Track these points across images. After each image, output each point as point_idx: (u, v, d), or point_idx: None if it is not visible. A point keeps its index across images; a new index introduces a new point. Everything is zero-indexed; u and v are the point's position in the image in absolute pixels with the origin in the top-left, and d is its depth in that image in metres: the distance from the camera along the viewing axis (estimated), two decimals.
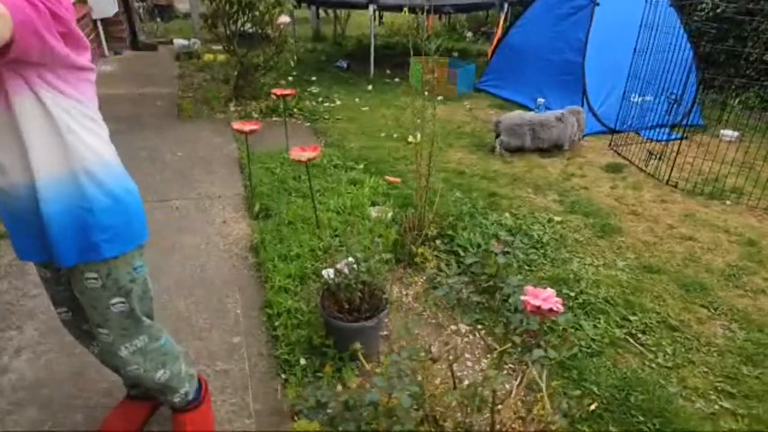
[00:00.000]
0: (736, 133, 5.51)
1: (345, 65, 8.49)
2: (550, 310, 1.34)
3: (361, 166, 4.75)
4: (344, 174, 4.50)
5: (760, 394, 2.35)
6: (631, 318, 2.76)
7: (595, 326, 2.69)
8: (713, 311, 2.87)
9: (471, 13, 11.86)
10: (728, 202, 4.11)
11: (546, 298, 1.37)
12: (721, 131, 5.60)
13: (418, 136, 5.45)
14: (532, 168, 4.74)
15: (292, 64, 6.82)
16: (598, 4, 5.59)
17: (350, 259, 2.64)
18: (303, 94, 7.16)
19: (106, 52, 9.58)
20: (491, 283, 3.07)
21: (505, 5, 8.05)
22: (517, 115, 5.04)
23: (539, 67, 6.25)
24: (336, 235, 3.42)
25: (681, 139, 5.47)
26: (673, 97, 4.31)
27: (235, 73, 6.81)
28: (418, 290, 3.04)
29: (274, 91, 4.59)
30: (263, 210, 3.74)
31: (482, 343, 2.64)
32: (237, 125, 3.58)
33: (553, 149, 5.07)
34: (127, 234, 1.56)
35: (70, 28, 1.33)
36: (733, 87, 7.40)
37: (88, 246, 1.49)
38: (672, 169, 4.36)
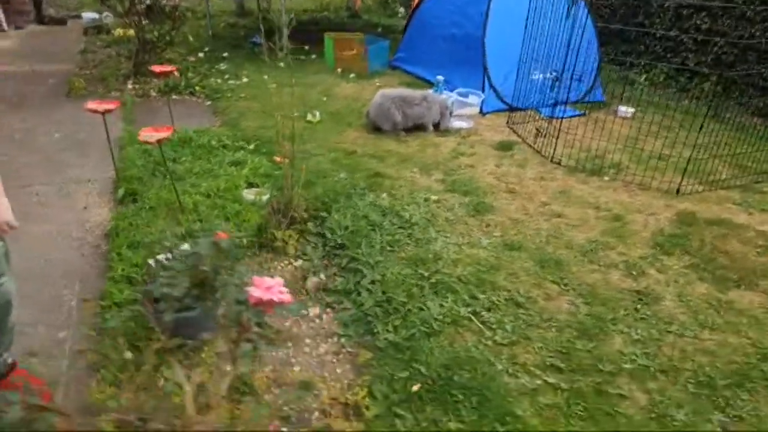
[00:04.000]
0: (631, 110, 5.65)
1: (259, 41, 8.20)
2: (271, 301, 1.28)
3: (252, 146, 4.61)
4: (231, 154, 4.35)
5: (586, 368, 2.41)
6: (480, 296, 2.78)
7: (441, 305, 2.69)
8: (563, 287, 2.93)
9: None
10: (606, 178, 4.20)
11: (269, 287, 1.31)
12: (618, 107, 5.73)
13: (317, 114, 5.36)
14: (426, 147, 4.71)
15: (191, 38, 6.52)
16: None
17: (185, 246, 2.54)
18: (210, 71, 6.90)
19: (5, 26, 8.95)
20: (351, 265, 3.04)
21: None
22: (391, 93, 4.94)
23: (445, 42, 6.20)
24: (199, 220, 3.30)
25: (580, 116, 5.59)
26: (554, 75, 4.34)
27: (135, 49, 6.47)
28: (278, 275, 2.97)
29: (153, 68, 4.36)
30: (129, 194, 3.57)
31: (326, 328, 2.60)
32: (92, 105, 3.37)
33: (419, 130, 5.04)
34: None
35: None
36: (642, 64, 7.61)
37: None
38: (555, 147, 4.42)
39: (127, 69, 6.52)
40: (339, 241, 3.15)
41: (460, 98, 5.38)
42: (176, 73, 5.61)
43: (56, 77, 6.43)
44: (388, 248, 3.14)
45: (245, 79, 6.57)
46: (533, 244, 3.28)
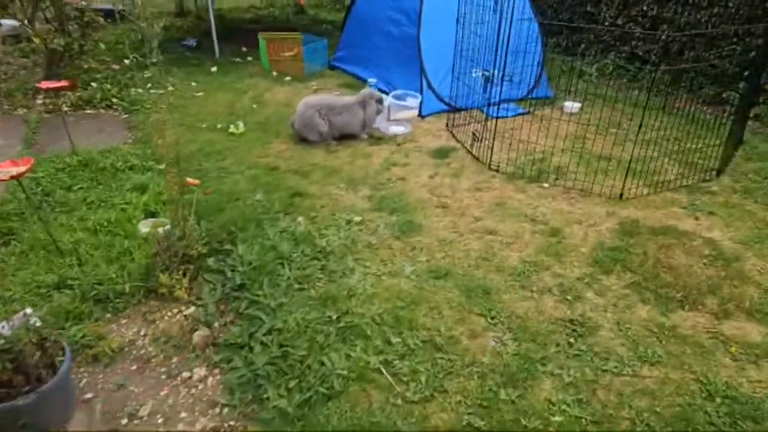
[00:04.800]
0: (577, 105, 5.37)
1: (193, 44, 7.71)
2: None
3: (164, 166, 4.16)
4: (137, 177, 3.90)
5: (509, 425, 2.09)
6: (394, 341, 2.44)
7: (348, 356, 2.34)
8: (490, 320, 2.60)
9: None
10: (546, 185, 3.90)
11: None
12: (564, 103, 5.45)
13: (241, 125, 4.93)
14: (356, 158, 4.34)
15: (103, 47, 6.00)
16: None
17: (28, 310, 2.13)
18: (132, 79, 6.38)
19: None
20: (250, 310, 2.66)
21: None
22: (315, 101, 4.55)
23: (384, 40, 5.82)
24: (79, 263, 2.87)
25: (524, 114, 5.29)
26: (487, 73, 4.01)
27: (41, 60, 5.92)
28: (164, 327, 2.57)
29: (40, 84, 3.89)
30: (2, 235, 3.11)
31: (209, 395, 2.22)
32: None
33: (351, 138, 4.67)
34: None
35: None
36: (593, 54, 7.37)
37: None
38: (492, 152, 4.10)
39: (38, 82, 5.95)
40: (239, 281, 2.76)
41: (397, 102, 5.02)
42: (74, 88, 5.13)
43: None
44: (296, 285, 2.77)
45: (170, 87, 6.09)
46: (461, 270, 2.95)
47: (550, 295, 2.78)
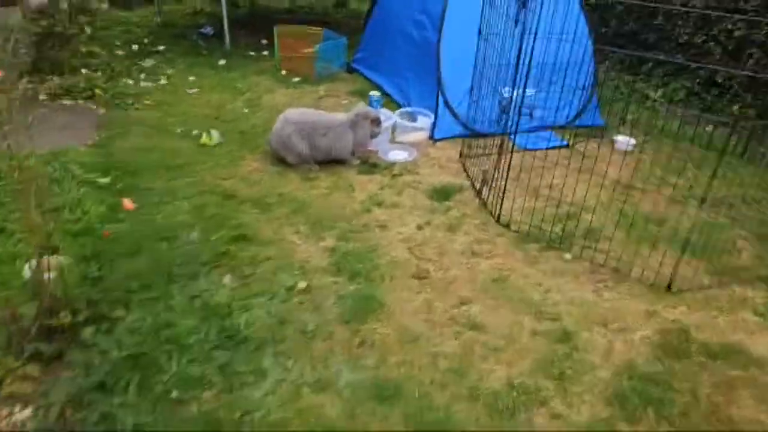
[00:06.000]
0: (632, 141, 4.33)
1: (211, 32, 7.07)
2: None
3: (107, 179, 3.48)
4: (64, 194, 3.23)
5: None
6: None
7: None
8: None
9: None
10: (568, 256, 2.94)
11: None
12: (616, 137, 4.41)
13: (215, 136, 4.20)
14: (336, 191, 3.51)
15: (88, 31, 5.41)
16: None
17: None
18: (131, 68, 5.79)
19: None
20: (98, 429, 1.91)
21: None
22: (296, 116, 3.71)
23: (403, 44, 4.94)
24: None
25: (561, 147, 4.29)
26: (505, 102, 3.07)
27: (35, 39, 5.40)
28: None
29: None
30: None
31: None
32: None
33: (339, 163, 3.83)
34: None
35: None
36: (660, 75, 6.20)
37: None
38: (503, 201, 3.16)
39: (25, 65, 5.44)
40: (101, 376, 2.00)
41: (403, 122, 4.15)
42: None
43: None
44: (174, 394, 1.98)
45: (163, 81, 5.44)
46: (418, 390, 2.08)
47: None
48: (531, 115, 2.85)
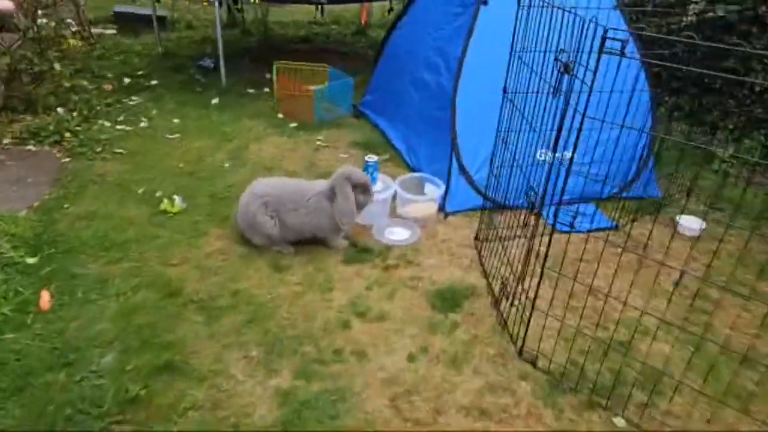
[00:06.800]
0: (700, 224, 3.39)
1: (211, 65, 6.45)
2: None
3: (35, 260, 2.78)
4: None
5: None
6: None
7: None
8: None
9: None
10: (621, 421, 2.02)
11: None
12: (678, 218, 3.47)
13: (177, 202, 3.45)
14: (309, 289, 2.69)
15: (57, 67, 4.80)
16: (486, 3, 3.45)
17: None
18: (115, 105, 5.18)
19: None
20: None
21: None
22: (266, 188, 2.92)
23: (416, 90, 4.15)
24: None
25: (608, 229, 3.38)
26: (533, 192, 2.20)
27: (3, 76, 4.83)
28: None
29: None
30: None
31: None
32: None
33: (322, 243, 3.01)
34: None
35: None
36: (730, 128, 5.21)
37: None
38: (529, 324, 2.27)
39: None
40: None
41: (405, 193, 3.33)
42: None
43: None
44: None
45: (143, 124, 4.78)
46: None
47: None
48: (572, 225, 1.95)
